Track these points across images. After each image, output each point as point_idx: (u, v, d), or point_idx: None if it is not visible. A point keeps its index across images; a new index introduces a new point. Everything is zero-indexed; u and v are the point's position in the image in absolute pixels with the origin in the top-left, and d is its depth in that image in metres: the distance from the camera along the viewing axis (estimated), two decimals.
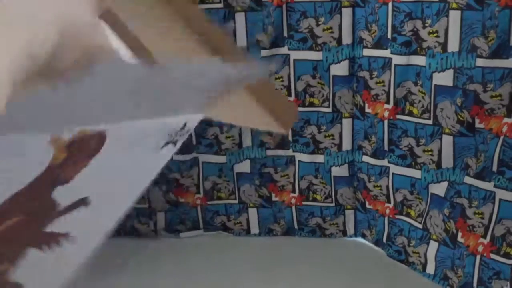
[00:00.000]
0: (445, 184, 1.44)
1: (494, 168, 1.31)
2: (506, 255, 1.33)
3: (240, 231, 1.80)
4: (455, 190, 1.41)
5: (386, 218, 1.63)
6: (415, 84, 1.42)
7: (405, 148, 1.50)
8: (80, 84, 0.37)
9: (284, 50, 1.58)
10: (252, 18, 1.55)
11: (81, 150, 0.44)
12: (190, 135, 1.71)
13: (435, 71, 1.36)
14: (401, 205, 1.57)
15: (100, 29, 0.34)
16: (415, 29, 1.37)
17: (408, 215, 1.57)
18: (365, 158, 1.62)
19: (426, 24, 1.34)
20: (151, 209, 1.76)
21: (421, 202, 1.52)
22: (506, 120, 1.27)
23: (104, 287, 1.46)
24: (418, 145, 1.47)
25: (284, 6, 1.53)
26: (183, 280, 1.53)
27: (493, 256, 1.35)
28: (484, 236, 1.36)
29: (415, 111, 1.44)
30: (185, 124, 0.53)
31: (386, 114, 1.51)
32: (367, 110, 1.56)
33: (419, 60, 1.39)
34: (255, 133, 1.70)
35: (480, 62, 1.26)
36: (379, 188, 1.62)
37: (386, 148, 1.55)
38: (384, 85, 1.49)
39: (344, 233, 1.77)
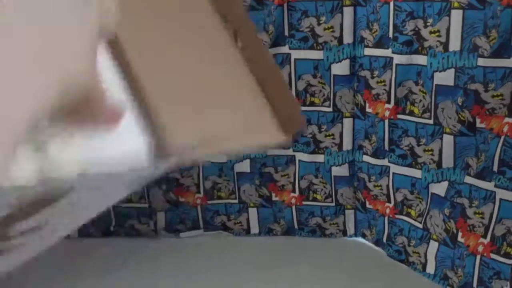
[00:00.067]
0: (445, 184, 1.44)
1: (495, 168, 1.31)
2: (506, 255, 1.33)
3: (240, 230, 1.80)
4: (456, 190, 1.41)
5: (386, 218, 1.63)
6: (416, 83, 1.42)
7: (405, 148, 1.50)
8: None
9: (285, 49, 1.58)
10: (253, 17, 1.55)
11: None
12: None
13: (436, 71, 1.36)
14: (401, 205, 1.57)
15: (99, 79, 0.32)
16: (416, 29, 1.37)
17: (408, 215, 1.57)
18: (366, 158, 1.62)
19: (428, 24, 1.34)
20: (151, 209, 1.76)
21: (421, 202, 1.52)
22: (507, 119, 1.27)
23: (104, 287, 1.46)
24: (418, 145, 1.47)
25: (285, 5, 1.53)
26: (183, 280, 1.53)
27: (493, 256, 1.35)
28: (484, 236, 1.36)
29: (416, 110, 1.44)
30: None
31: (387, 113, 1.51)
32: (368, 109, 1.56)
33: (420, 60, 1.39)
34: None
35: (481, 61, 1.26)
36: (380, 187, 1.61)
37: (386, 147, 1.55)
38: (385, 85, 1.49)
39: (344, 233, 1.77)
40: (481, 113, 1.31)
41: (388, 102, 1.50)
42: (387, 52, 1.45)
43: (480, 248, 1.37)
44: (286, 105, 0.52)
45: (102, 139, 0.37)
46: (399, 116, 1.49)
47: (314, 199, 1.74)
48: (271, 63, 0.56)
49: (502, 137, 1.28)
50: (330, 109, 1.62)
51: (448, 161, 1.42)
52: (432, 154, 1.45)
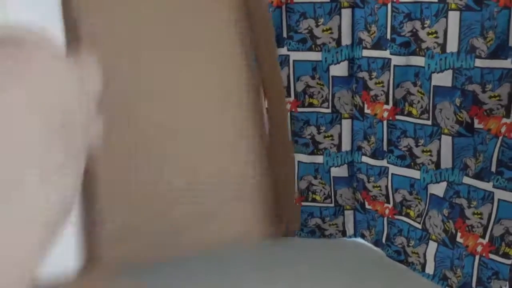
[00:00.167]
0: (444, 185, 1.45)
1: (493, 169, 1.31)
2: (505, 255, 1.33)
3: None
4: (454, 191, 1.42)
5: (385, 219, 1.63)
6: (414, 84, 1.43)
7: (404, 149, 1.51)
8: None
9: (283, 50, 1.58)
10: None
11: None
12: None
13: (434, 72, 1.36)
14: (400, 205, 1.58)
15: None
16: (414, 30, 1.37)
17: (407, 215, 1.57)
18: (364, 159, 1.63)
19: (425, 25, 1.35)
20: None
21: (420, 203, 1.53)
22: (505, 120, 1.27)
23: (104, 286, 1.46)
24: (417, 146, 1.47)
25: (283, 7, 1.53)
26: (183, 280, 1.53)
27: (492, 256, 1.35)
28: (483, 236, 1.36)
29: (414, 111, 1.45)
30: None
31: (385, 114, 1.51)
32: (367, 110, 1.56)
33: (418, 61, 1.39)
34: None
35: (479, 62, 1.27)
36: (379, 188, 1.62)
37: (385, 148, 1.55)
38: (383, 86, 1.49)
39: (344, 233, 1.77)
40: (479, 114, 1.31)
41: (387, 103, 1.50)
42: (385, 54, 1.46)
43: (479, 248, 1.37)
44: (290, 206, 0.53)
45: None
46: (398, 117, 1.49)
47: (313, 200, 1.74)
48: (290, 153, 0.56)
49: (500, 138, 1.28)
50: (329, 110, 1.63)
51: (446, 161, 1.42)
52: (430, 155, 1.45)
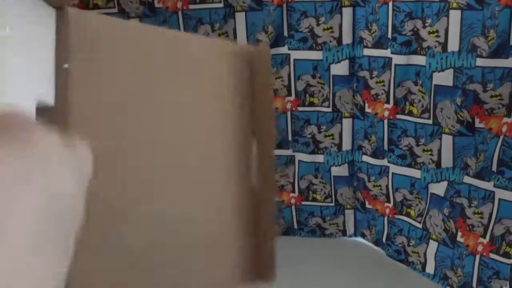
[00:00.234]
0: (444, 184, 1.44)
1: (494, 168, 1.31)
2: (505, 255, 1.33)
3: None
4: (455, 190, 1.42)
5: (385, 218, 1.63)
6: (415, 83, 1.42)
7: (404, 148, 1.51)
8: None
9: (284, 49, 1.58)
10: (252, 18, 1.55)
11: None
12: None
13: (435, 71, 1.36)
14: (400, 205, 1.58)
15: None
16: (415, 29, 1.37)
17: (407, 215, 1.57)
18: (365, 158, 1.62)
19: (426, 24, 1.34)
20: None
21: (420, 202, 1.53)
22: (505, 119, 1.27)
23: None
24: (417, 145, 1.47)
25: (284, 5, 1.53)
26: None
27: (492, 255, 1.35)
28: (484, 236, 1.36)
29: (415, 110, 1.45)
30: None
31: (386, 113, 1.51)
32: (367, 110, 1.56)
33: (419, 60, 1.39)
34: None
35: (480, 61, 1.27)
36: (379, 187, 1.62)
37: (386, 148, 1.55)
38: (384, 85, 1.49)
39: (344, 233, 1.77)
40: (480, 113, 1.31)
41: (387, 102, 1.50)
42: (386, 53, 1.46)
43: (480, 248, 1.37)
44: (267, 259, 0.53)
45: None
46: (398, 116, 1.49)
47: (314, 199, 1.74)
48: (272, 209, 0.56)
49: (501, 137, 1.28)
50: (330, 109, 1.63)
51: (447, 161, 1.42)
52: (431, 154, 1.45)
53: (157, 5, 1.54)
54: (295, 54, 1.58)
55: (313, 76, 1.60)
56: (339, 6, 1.50)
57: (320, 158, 1.69)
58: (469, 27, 1.26)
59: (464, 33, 1.28)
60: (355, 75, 1.56)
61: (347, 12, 1.51)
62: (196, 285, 0.50)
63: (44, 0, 0.39)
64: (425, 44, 1.36)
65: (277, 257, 1.66)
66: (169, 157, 0.47)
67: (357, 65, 1.54)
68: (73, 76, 0.40)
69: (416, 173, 1.50)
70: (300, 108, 1.64)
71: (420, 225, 1.53)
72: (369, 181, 1.63)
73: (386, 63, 1.46)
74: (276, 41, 1.58)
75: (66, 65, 0.39)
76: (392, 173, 1.56)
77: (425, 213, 1.51)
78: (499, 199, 1.31)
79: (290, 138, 1.69)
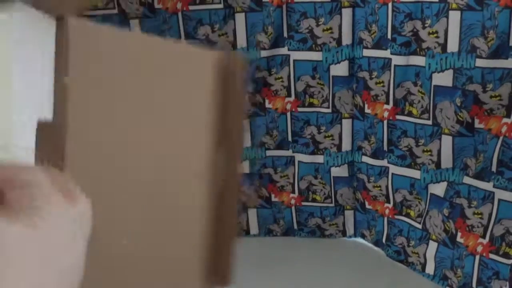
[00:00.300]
0: (444, 184, 1.45)
1: (494, 168, 1.31)
2: (505, 255, 1.33)
3: (239, 231, 1.81)
4: (455, 190, 1.42)
5: (385, 219, 1.63)
6: (415, 84, 1.43)
7: (404, 149, 1.51)
8: None
9: (284, 50, 1.58)
10: (252, 18, 1.56)
11: None
12: None
13: (434, 72, 1.36)
14: (400, 205, 1.58)
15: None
16: (415, 30, 1.37)
17: (407, 215, 1.57)
18: (365, 159, 1.63)
19: (426, 25, 1.35)
20: None
21: (420, 202, 1.53)
22: (505, 120, 1.27)
23: None
24: (417, 146, 1.47)
25: (284, 6, 1.53)
26: None
27: (492, 256, 1.35)
28: (483, 236, 1.36)
29: (414, 111, 1.45)
30: None
31: (386, 114, 1.51)
32: (367, 110, 1.56)
33: (419, 61, 1.39)
34: (255, 134, 1.70)
35: (479, 62, 1.27)
36: (379, 188, 1.62)
37: (385, 148, 1.55)
38: (383, 86, 1.49)
39: (344, 233, 1.77)
40: (479, 114, 1.31)
41: (387, 103, 1.50)
42: (385, 53, 1.46)
43: (479, 248, 1.37)
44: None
45: None
46: (398, 117, 1.49)
47: (314, 200, 1.74)
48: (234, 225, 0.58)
49: (501, 138, 1.28)
50: (329, 110, 1.63)
51: (447, 161, 1.42)
52: (431, 155, 1.45)
53: (157, 6, 1.55)
54: (295, 55, 1.58)
55: (313, 77, 1.60)
56: (338, 7, 1.50)
57: (320, 158, 1.69)
58: (469, 27, 1.27)
59: (463, 33, 1.28)
60: (354, 75, 1.56)
61: (346, 13, 1.51)
62: None
63: (45, 11, 0.39)
64: (424, 45, 1.37)
65: (277, 257, 1.64)
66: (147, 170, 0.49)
67: (357, 66, 1.54)
68: (71, 90, 0.40)
69: (415, 173, 1.51)
70: (299, 109, 1.64)
71: (420, 226, 1.54)
72: (369, 181, 1.63)
73: (386, 64, 1.46)
74: (276, 42, 1.58)
75: (65, 80, 0.40)
76: (392, 174, 1.56)
77: (425, 213, 1.51)
78: (499, 200, 1.32)
79: (290, 138, 1.69)
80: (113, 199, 0.45)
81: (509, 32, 1.21)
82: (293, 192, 1.75)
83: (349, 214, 1.74)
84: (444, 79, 1.35)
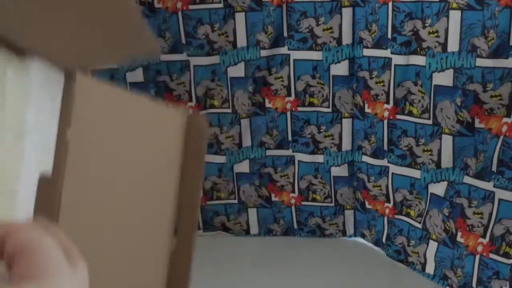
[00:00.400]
0: (444, 184, 1.44)
1: (494, 168, 1.31)
2: (505, 255, 1.33)
3: (239, 231, 1.80)
4: (455, 190, 1.42)
5: (385, 218, 1.63)
6: (415, 84, 1.42)
7: (404, 148, 1.51)
8: None
9: (284, 50, 1.58)
10: (252, 18, 1.55)
11: None
12: None
13: (435, 71, 1.36)
14: (400, 205, 1.58)
15: None
16: (415, 29, 1.37)
17: (407, 215, 1.57)
18: (365, 158, 1.62)
19: (426, 24, 1.34)
20: None
21: (420, 202, 1.53)
22: (505, 120, 1.27)
23: None
24: (417, 145, 1.47)
25: (284, 6, 1.53)
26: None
27: (492, 256, 1.35)
28: (484, 236, 1.36)
29: (414, 111, 1.45)
30: None
31: (386, 114, 1.51)
32: (367, 110, 1.56)
33: (419, 60, 1.39)
34: (255, 133, 1.70)
35: (480, 62, 1.27)
36: (379, 188, 1.62)
37: (385, 148, 1.55)
38: (384, 85, 1.49)
39: (344, 233, 1.77)
40: (479, 113, 1.31)
41: (387, 102, 1.50)
42: (386, 53, 1.46)
43: (479, 248, 1.37)
44: None
45: None
46: (398, 117, 1.49)
47: (314, 200, 1.74)
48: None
49: (501, 137, 1.28)
50: (329, 110, 1.63)
51: (447, 161, 1.42)
52: (431, 154, 1.45)
53: (157, 5, 1.54)
54: (295, 55, 1.58)
55: (313, 77, 1.60)
56: (338, 7, 1.50)
57: (320, 158, 1.69)
58: (469, 27, 1.27)
59: (464, 33, 1.28)
60: (355, 75, 1.56)
61: (346, 12, 1.51)
62: None
63: (56, 65, 0.42)
64: (425, 45, 1.36)
65: (276, 257, 1.64)
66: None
67: (357, 65, 1.54)
68: (71, 146, 0.44)
69: (416, 173, 1.50)
70: (300, 108, 1.64)
71: (420, 225, 1.53)
72: (369, 181, 1.63)
73: (386, 63, 1.46)
74: (276, 42, 1.58)
75: (67, 137, 0.43)
76: (392, 173, 1.56)
77: (425, 213, 1.51)
78: (499, 199, 1.31)
79: (290, 138, 1.69)
80: (100, 249, 0.49)
81: (509, 31, 1.20)
82: (293, 191, 1.75)
83: (349, 213, 1.74)
84: (444, 78, 1.35)
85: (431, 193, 1.48)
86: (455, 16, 1.28)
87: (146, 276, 0.60)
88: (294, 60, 1.59)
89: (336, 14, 1.51)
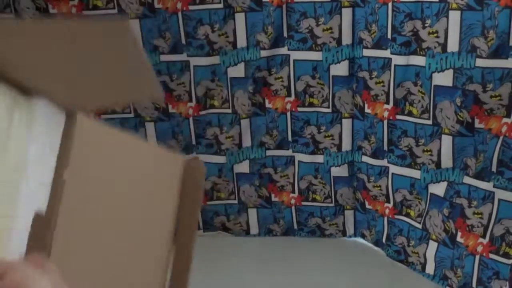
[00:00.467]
0: (444, 184, 1.45)
1: (494, 168, 1.31)
2: (505, 255, 1.33)
3: (239, 231, 1.81)
4: (455, 190, 1.42)
5: (385, 218, 1.63)
6: (415, 84, 1.43)
7: (404, 148, 1.51)
8: None
9: (284, 50, 1.58)
10: (252, 18, 1.55)
11: None
12: (190, 135, 1.71)
13: (434, 71, 1.36)
14: (400, 205, 1.58)
15: None
16: (415, 30, 1.37)
17: (407, 215, 1.57)
18: (365, 158, 1.62)
19: (426, 24, 1.35)
20: None
21: (420, 202, 1.53)
22: (505, 120, 1.27)
23: None
24: (417, 145, 1.47)
25: (284, 6, 1.53)
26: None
27: (492, 256, 1.35)
28: (484, 236, 1.36)
29: (414, 111, 1.45)
30: None
31: (386, 114, 1.51)
32: (367, 110, 1.56)
33: (419, 60, 1.39)
34: (255, 134, 1.70)
35: (479, 62, 1.27)
36: (379, 188, 1.62)
37: (385, 148, 1.55)
38: (383, 85, 1.49)
39: (344, 233, 1.77)
40: (479, 114, 1.31)
41: (387, 102, 1.50)
42: (385, 53, 1.46)
43: (479, 248, 1.37)
44: None
45: None
46: (398, 117, 1.49)
47: (314, 200, 1.74)
48: None
49: (501, 138, 1.28)
50: (329, 110, 1.63)
51: (447, 161, 1.42)
52: (431, 155, 1.45)
53: (157, 5, 1.55)
54: (295, 55, 1.58)
55: (313, 77, 1.60)
56: (338, 7, 1.50)
57: (320, 158, 1.69)
58: (469, 27, 1.27)
59: (463, 33, 1.28)
60: (354, 75, 1.56)
61: (346, 12, 1.51)
62: None
63: (56, 105, 0.43)
64: (424, 45, 1.37)
65: (276, 257, 1.64)
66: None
67: (357, 66, 1.54)
68: (67, 186, 0.45)
69: (416, 173, 1.51)
70: (299, 109, 1.64)
71: (420, 226, 1.54)
72: (369, 181, 1.63)
73: (386, 64, 1.46)
74: (276, 42, 1.58)
75: (64, 176, 0.44)
76: (392, 174, 1.56)
77: (425, 213, 1.51)
78: (499, 200, 1.32)
79: (290, 138, 1.69)
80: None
81: (509, 32, 1.21)
82: (293, 192, 1.75)
83: (349, 214, 1.74)
84: (444, 79, 1.35)
85: (431, 193, 1.48)
86: (455, 17, 1.28)
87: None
88: (294, 60, 1.59)
89: (336, 15, 1.51)
